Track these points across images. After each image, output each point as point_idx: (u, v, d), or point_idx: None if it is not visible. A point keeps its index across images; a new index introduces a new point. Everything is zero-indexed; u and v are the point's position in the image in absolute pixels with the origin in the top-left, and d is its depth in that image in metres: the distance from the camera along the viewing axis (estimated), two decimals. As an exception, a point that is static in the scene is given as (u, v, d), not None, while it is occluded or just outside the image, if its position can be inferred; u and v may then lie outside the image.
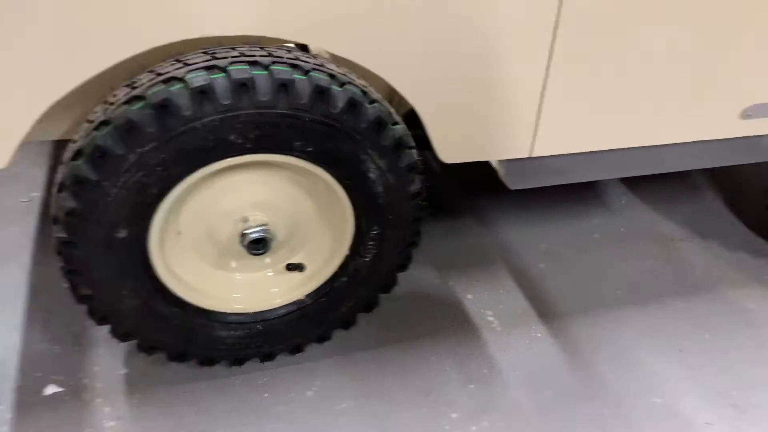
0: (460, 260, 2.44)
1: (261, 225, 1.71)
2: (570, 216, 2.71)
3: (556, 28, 1.52)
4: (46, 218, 2.45)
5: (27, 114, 1.42)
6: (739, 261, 2.54)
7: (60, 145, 2.72)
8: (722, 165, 2.02)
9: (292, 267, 1.85)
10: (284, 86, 1.46)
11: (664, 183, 2.94)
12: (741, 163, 2.04)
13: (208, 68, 1.45)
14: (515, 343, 2.12)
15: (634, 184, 2.92)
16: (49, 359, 1.93)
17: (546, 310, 2.25)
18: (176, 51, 1.54)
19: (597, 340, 2.15)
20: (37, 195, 2.62)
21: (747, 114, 1.86)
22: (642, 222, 2.70)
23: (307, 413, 1.84)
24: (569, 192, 2.80)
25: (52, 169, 2.74)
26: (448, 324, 2.17)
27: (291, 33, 1.46)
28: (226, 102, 1.43)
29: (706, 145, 1.91)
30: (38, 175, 2.73)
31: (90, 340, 2.01)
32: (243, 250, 1.73)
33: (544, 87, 1.62)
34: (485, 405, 1.91)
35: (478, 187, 2.82)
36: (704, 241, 2.62)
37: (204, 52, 1.51)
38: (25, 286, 2.18)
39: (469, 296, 2.29)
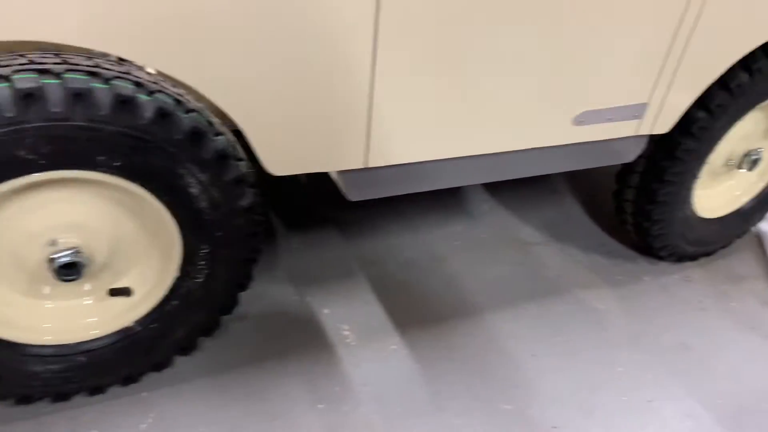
0: (319, 274, 2.36)
1: (71, 248, 1.56)
2: (432, 224, 2.69)
3: (376, 34, 1.48)
4: None
5: None
6: (592, 263, 2.61)
7: None
8: (561, 171, 2.06)
9: (117, 292, 1.70)
10: (80, 96, 1.33)
11: (527, 188, 3.00)
12: (579, 168, 2.08)
13: (-12, 77, 1.30)
14: (370, 358, 2.06)
15: (497, 189, 2.95)
16: None
17: (403, 322, 2.21)
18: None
19: (452, 349, 2.13)
20: None
21: (579, 120, 1.90)
22: (503, 227, 2.73)
23: (139, 449, 1.71)
24: (432, 199, 2.80)
25: None
26: (301, 342, 2.08)
27: (80, 39, 1.32)
28: (10, 115, 1.29)
29: (542, 152, 1.93)
30: None
31: None
32: (55, 276, 1.57)
33: (371, 96, 1.56)
34: (334, 425, 1.84)
35: (340, 198, 2.76)
36: (561, 245, 2.67)
37: (-14, 60, 1.36)
38: None
39: (326, 311, 2.21)
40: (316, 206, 2.69)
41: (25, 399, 1.71)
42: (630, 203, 2.42)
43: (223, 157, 1.54)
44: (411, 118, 1.65)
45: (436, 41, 1.57)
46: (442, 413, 1.91)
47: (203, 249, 1.66)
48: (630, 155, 2.13)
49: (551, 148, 1.94)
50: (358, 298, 2.28)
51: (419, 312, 2.26)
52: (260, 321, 2.13)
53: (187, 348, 1.85)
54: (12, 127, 1.30)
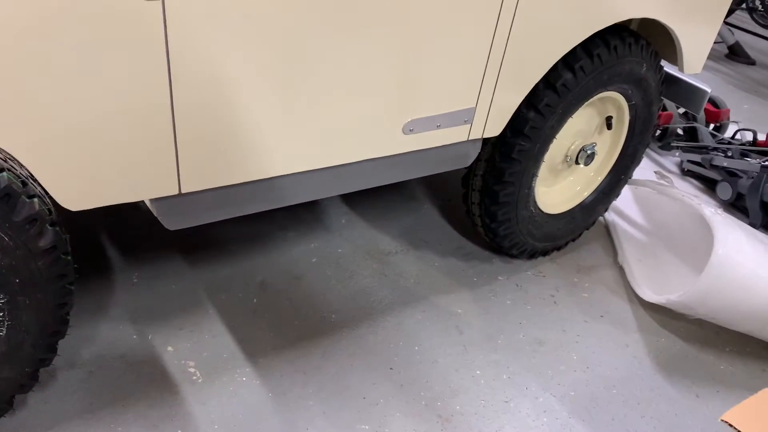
0: (163, 308, 2.21)
1: None
2: (288, 242, 2.61)
3: (167, 52, 1.37)
4: None
5: None
6: (449, 267, 2.61)
7: None
8: (401, 180, 2.03)
9: None
10: None
11: (385, 197, 2.97)
12: (419, 176, 2.07)
13: None
14: (217, 394, 1.94)
15: (355, 201, 2.91)
16: None
17: (255, 351, 2.10)
18: None
19: (306, 373, 2.05)
20: None
21: (409, 129, 1.88)
22: (360, 240, 2.69)
23: None
24: (286, 216, 2.71)
25: None
26: (141, 385, 1.93)
27: None
28: None
29: (377, 162, 1.90)
30: None
31: None
32: None
33: (173, 117, 1.45)
34: (176, 473, 1.71)
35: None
36: (419, 252, 2.66)
37: None
38: None
39: (170, 348, 2.07)
40: (158, 233, 2.52)
41: None
42: (476, 205, 2.44)
43: (7, 196, 1.38)
44: (223, 138, 1.56)
45: (240, 57, 1.49)
46: (295, 443, 1.83)
47: (0, 299, 1.48)
48: (466, 159, 2.14)
49: (386, 158, 1.91)
50: (205, 331, 2.15)
51: (272, 338, 2.16)
52: (94, 367, 1.96)
53: (-1, 410, 1.66)
54: None
